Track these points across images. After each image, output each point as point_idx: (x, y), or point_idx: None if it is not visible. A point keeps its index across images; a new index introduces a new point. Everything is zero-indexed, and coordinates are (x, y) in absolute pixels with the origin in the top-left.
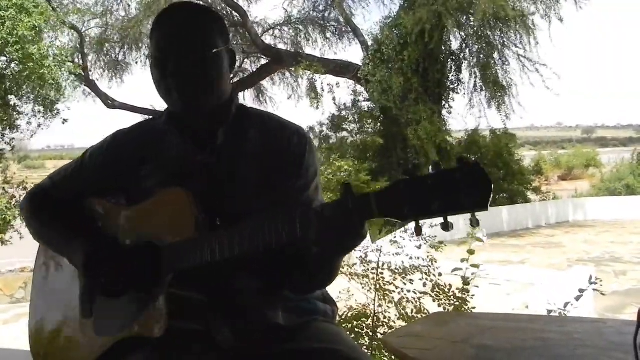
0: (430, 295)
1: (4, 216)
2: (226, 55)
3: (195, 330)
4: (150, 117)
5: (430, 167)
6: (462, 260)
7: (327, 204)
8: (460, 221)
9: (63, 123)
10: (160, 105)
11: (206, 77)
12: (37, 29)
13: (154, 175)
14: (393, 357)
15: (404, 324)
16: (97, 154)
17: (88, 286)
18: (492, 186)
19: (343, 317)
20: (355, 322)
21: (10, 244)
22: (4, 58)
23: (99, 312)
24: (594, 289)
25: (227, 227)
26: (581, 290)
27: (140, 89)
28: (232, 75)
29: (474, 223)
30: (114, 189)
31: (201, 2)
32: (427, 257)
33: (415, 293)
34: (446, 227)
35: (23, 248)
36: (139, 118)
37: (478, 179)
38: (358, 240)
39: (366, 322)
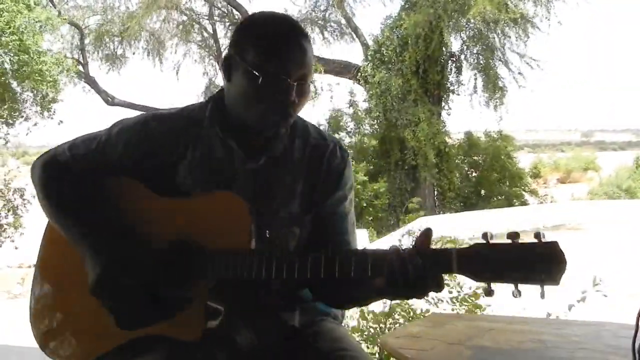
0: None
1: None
2: None
3: (214, 332)
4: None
5: (506, 236)
6: None
7: (405, 255)
8: (464, 223)
9: (59, 124)
10: (159, 102)
11: (301, 103)
12: (39, 23)
13: (193, 172)
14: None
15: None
16: (128, 134)
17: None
18: (567, 264)
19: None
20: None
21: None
22: (3, 54)
23: (121, 301)
24: (596, 291)
25: (276, 242)
26: (584, 292)
27: (135, 82)
28: None
29: (543, 296)
30: (137, 173)
31: (203, 0)
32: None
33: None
34: (518, 294)
35: (21, 243)
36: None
37: (555, 257)
38: (428, 292)
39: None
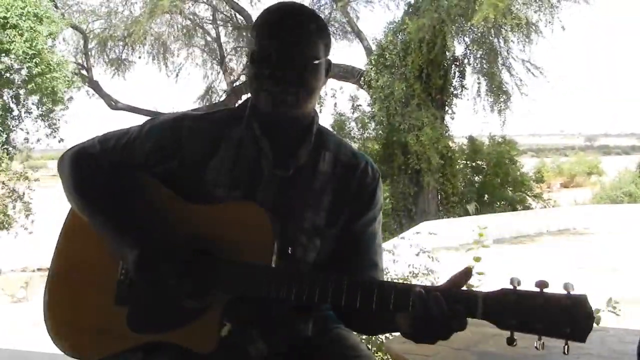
0: None
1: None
2: (324, 65)
3: (226, 343)
4: (222, 109)
5: (535, 285)
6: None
7: (429, 295)
8: (464, 227)
9: (59, 142)
10: (163, 107)
11: (304, 86)
12: (52, 36)
13: (221, 172)
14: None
15: None
16: (158, 132)
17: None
18: (594, 320)
19: None
20: None
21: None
22: (24, 72)
23: (138, 302)
24: (610, 311)
25: (297, 259)
26: (597, 311)
27: (141, 87)
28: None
29: (567, 351)
30: (166, 174)
31: (207, 5)
32: (426, 267)
33: None
34: (541, 347)
35: (25, 247)
36: (143, 119)
37: (583, 311)
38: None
39: None
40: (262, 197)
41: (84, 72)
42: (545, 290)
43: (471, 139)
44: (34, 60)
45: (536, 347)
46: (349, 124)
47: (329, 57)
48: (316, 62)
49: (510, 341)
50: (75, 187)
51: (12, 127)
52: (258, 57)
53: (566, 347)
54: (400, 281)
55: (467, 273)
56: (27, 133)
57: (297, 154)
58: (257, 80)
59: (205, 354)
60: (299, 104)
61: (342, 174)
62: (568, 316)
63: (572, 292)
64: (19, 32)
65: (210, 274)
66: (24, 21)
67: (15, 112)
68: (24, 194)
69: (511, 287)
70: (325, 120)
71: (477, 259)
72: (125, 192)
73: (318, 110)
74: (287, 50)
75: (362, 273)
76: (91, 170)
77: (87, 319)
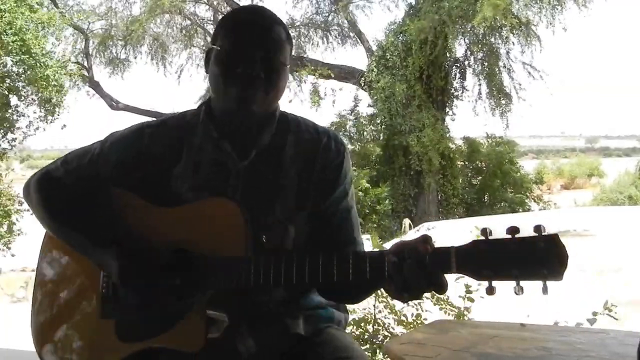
0: (431, 300)
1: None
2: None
3: (216, 340)
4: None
5: (506, 231)
6: None
7: (405, 255)
8: (463, 230)
9: (62, 128)
10: (163, 107)
11: (274, 90)
12: (41, 25)
13: (185, 175)
14: None
15: (403, 329)
16: (120, 145)
17: (119, 291)
18: (568, 258)
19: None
20: (358, 330)
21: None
22: (3, 53)
23: (123, 314)
24: (607, 314)
25: (273, 246)
26: (595, 314)
27: (141, 87)
28: None
29: (545, 291)
30: (131, 183)
31: (207, 5)
32: None
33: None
34: (520, 291)
35: (24, 247)
36: (143, 120)
37: (557, 251)
38: (431, 291)
39: (367, 328)
40: (231, 192)
41: (84, 72)
42: (517, 236)
43: (468, 141)
44: (13, 38)
45: (515, 292)
46: (349, 125)
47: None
48: (286, 67)
49: (490, 291)
50: (45, 211)
51: (11, 120)
52: (229, 58)
53: (544, 287)
54: None
55: (425, 240)
56: (28, 123)
57: (259, 139)
58: (226, 79)
59: (196, 353)
60: (267, 105)
61: (305, 153)
62: (542, 257)
63: (544, 233)
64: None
65: (193, 274)
66: (4, 3)
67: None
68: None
69: (483, 238)
70: (326, 120)
71: None
72: (97, 207)
73: (315, 110)
74: (260, 55)
75: (342, 250)
76: (58, 192)
77: (76, 338)
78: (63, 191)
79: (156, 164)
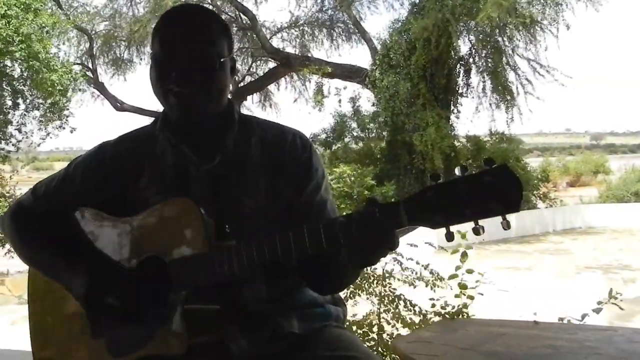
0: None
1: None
2: (229, 63)
3: (209, 342)
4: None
5: (457, 170)
6: (457, 268)
7: (354, 215)
8: (468, 228)
9: (71, 132)
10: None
11: (213, 85)
12: (45, 28)
13: (151, 186)
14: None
15: (406, 328)
16: (83, 166)
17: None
18: (522, 186)
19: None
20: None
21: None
22: (10, 60)
23: (111, 330)
24: (612, 303)
25: (238, 235)
26: (600, 303)
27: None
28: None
29: (506, 226)
30: (107, 201)
31: (210, 6)
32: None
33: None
34: (477, 231)
35: None
36: (148, 120)
37: (508, 181)
38: (386, 251)
39: (371, 326)
40: (196, 194)
41: (89, 74)
42: (465, 174)
43: (476, 139)
44: (20, 46)
45: (475, 232)
46: (353, 123)
47: (234, 56)
48: (222, 60)
49: (449, 237)
50: (18, 240)
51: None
52: (162, 59)
53: (504, 222)
54: (405, 281)
55: (373, 199)
56: (38, 127)
57: (222, 143)
58: (162, 81)
59: (185, 355)
60: (208, 104)
61: (272, 152)
62: (494, 191)
63: (493, 166)
64: (7, 20)
65: (160, 279)
66: (10, 8)
67: (15, 105)
68: None
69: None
70: (330, 119)
71: (463, 259)
72: (65, 230)
73: (319, 110)
74: (192, 50)
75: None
76: (29, 220)
77: (68, 355)
78: (33, 219)
79: (120, 180)
